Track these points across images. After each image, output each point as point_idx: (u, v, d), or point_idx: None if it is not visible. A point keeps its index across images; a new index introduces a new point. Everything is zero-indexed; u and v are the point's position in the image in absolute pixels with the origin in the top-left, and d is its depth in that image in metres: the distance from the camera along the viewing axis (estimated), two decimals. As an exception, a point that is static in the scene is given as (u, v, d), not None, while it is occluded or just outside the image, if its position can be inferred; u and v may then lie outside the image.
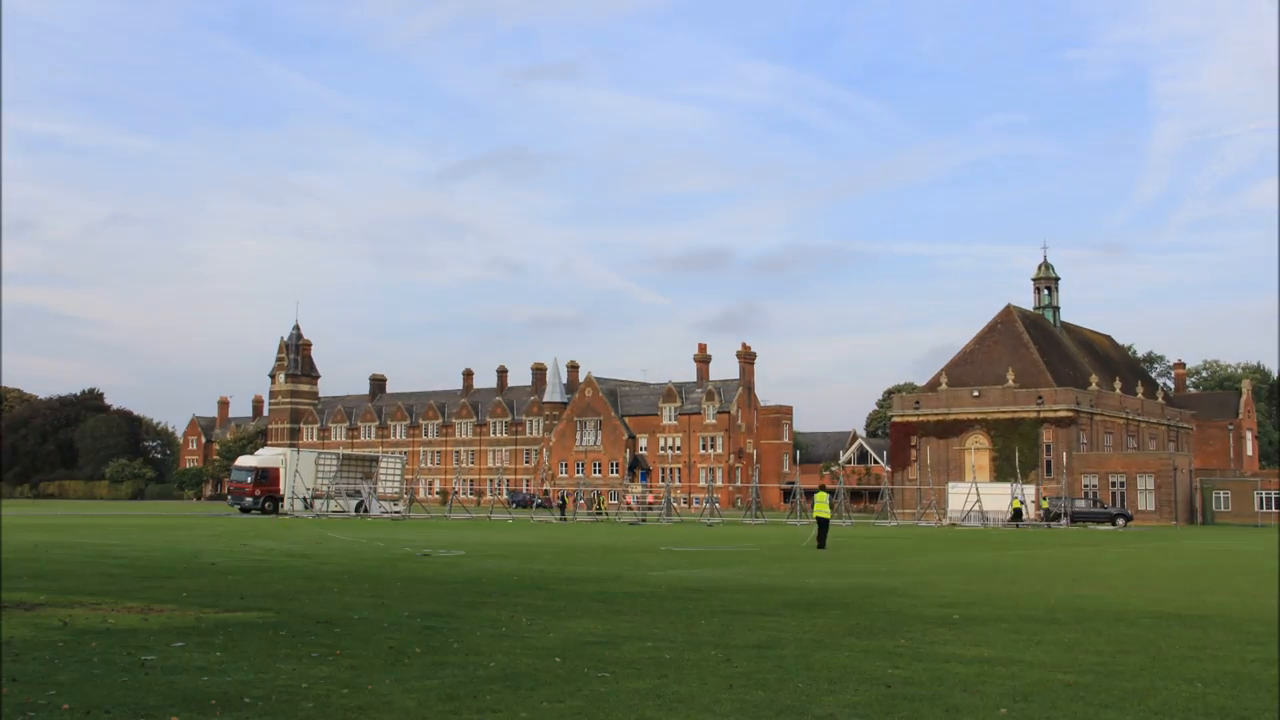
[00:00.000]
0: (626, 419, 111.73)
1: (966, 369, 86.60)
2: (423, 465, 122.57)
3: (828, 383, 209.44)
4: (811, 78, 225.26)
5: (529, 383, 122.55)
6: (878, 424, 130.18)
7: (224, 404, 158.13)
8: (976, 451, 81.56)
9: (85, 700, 7.95)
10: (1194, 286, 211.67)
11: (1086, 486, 77.76)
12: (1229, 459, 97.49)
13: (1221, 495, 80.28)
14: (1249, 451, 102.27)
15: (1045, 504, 64.52)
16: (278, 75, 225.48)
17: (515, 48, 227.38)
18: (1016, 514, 60.52)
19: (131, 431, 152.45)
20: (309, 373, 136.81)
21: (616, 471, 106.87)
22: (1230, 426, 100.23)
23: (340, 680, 8.86)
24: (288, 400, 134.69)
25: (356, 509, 63.62)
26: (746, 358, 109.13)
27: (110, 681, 8.68)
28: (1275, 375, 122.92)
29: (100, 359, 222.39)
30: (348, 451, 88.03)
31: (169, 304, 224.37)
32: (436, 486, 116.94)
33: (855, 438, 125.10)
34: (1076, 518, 64.42)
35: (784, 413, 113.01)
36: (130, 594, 15.52)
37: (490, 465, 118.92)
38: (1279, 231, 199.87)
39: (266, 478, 66.97)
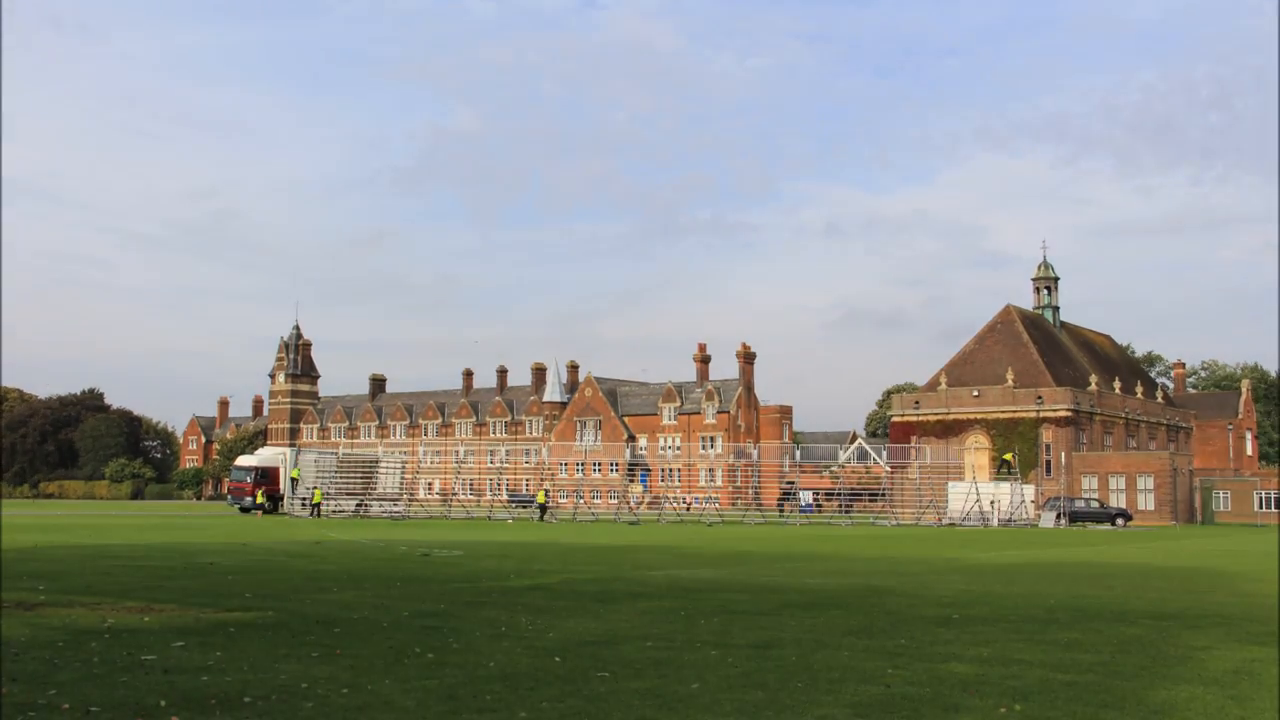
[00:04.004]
0: (626, 419, 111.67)
1: (966, 369, 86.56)
2: (422, 465, 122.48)
3: (827, 382, 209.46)
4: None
5: (529, 382, 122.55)
6: (878, 424, 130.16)
7: (224, 404, 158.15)
8: (976, 451, 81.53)
9: (85, 700, 7.95)
10: (1193, 285, 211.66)
11: (1086, 486, 77.73)
12: (1229, 459, 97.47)
13: (1221, 495, 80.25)
14: (1249, 451, 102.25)
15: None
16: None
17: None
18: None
19: (131, 431, 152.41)
20: (309, 372, 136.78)
21: (616, 471, 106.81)
22: (1230, 426, 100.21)
23: (340, 680, 8.86)
24: (287, 400, 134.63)
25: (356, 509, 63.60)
26: (746, 357, 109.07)
27: (110, 681, 8.68)
28: (1275, 375, 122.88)
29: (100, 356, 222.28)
30: (347, 451, 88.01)
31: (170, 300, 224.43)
32: (436, 486, 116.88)
33: (855, 438, 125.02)
34: (1075, 517, 64.33)
35: (784, 412, 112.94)
36: (130, 594, 15.51)
37: (490, 465, 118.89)
38: (1279, 230, 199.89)
39: (266, 477, 67.00)
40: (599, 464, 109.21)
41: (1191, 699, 8.67)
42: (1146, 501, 76.28)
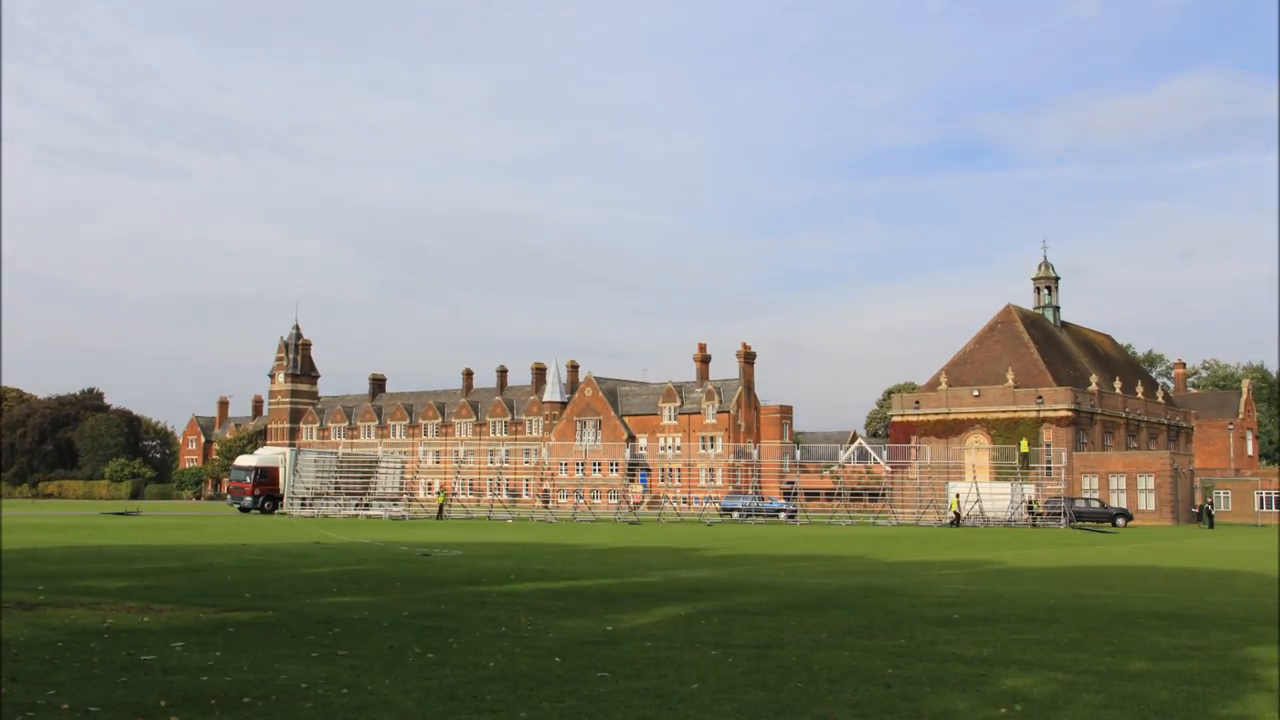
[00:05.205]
0: (626, 419, 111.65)
1: (966, 369, 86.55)
2: (422, 465, 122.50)
3: (828, 381, 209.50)
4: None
5: (529, 382, 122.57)
6: (878, 424, 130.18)
7: (224, 404, 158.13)
8: (976, 451, 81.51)
9: (84, 700, 7.94)
10: (1194, 285, 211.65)
11: (1087, 486, 77.71)
12: (1229, 459, 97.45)
13: (1222, 495, 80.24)
14: (1249, 451, 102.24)
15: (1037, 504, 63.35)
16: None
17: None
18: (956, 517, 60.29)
19: (131, 431, 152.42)
20: (309, 372, 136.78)
21: (616, 471, 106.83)
22: (1230, 426, 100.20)
23: (340, 680, 8.85)
24: (287, 400, 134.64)
25: (355, 508, 63.61)
26: (746, 357, 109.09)
27: (109, 681, 8.68)
28: (1275, 375, 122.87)
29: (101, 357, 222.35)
30: (347, 451, 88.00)
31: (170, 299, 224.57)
32: (436, 486, 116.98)
33: (855, 437, 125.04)
34: (1075, 517, 64.24)
35: (784, 412, 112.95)
36: (130, 594, 15.51)
37: (490, 465, 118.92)
38: (1278, 230, 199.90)
39: (266, 477, 66.99)
40: (599, 464, 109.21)
41: (1192, 699, 8.67)
42: (1147, 502, 76.23)
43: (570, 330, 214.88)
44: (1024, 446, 76.81)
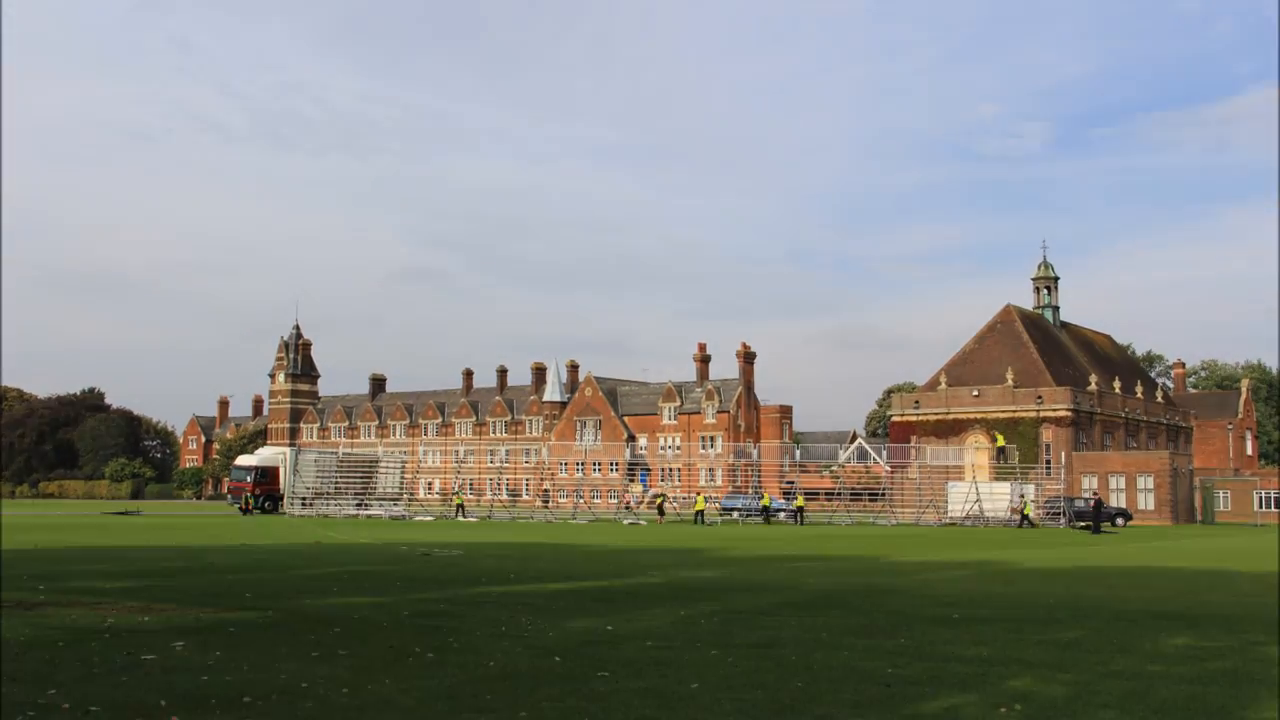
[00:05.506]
0: (626, 418, 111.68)
1: (966, 368, 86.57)
2: (422, 464, 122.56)
3: (827, 380, 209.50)
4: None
5: (529, 382, 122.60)
6: (877, 423, 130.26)
7: (224, 403, 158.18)
8: (976, 451, 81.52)
9: (85, 699, 7.94)
10: (1194, 285, 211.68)
11: (1086, 486, 77.71)
12: (1229, 458, 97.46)
13: (1221, 495, 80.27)
14: (1249, 451, 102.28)
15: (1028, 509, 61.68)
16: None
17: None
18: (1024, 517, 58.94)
19: (131, 431, 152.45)
20: (309, 372, 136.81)
21: (616, 471, 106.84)
22: (1230, 426, 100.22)
23: (340, 680, 8.86)
24: (287, 400, 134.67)
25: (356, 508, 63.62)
26: (746, 357, 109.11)
27: (110, 681, 8.68)
28: (1275, 374, 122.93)
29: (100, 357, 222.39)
30: (347, 451, 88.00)
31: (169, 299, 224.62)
32: (436, 486, 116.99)
33: (855, 437, 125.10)
34: (1075, 517, 64.21)
35: (784, 412, 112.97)
36: (130, 594, 15.51)
37: (490, 465, 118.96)
38: (1278, 230, 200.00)
39: (266, 477, 67.03)
40: (599, 464, 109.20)
41: (1192, 698, 8.67)
42: (1147, 501, 76.25)
43: (572, 330, 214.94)
44: (1000, 440, 77.28)
